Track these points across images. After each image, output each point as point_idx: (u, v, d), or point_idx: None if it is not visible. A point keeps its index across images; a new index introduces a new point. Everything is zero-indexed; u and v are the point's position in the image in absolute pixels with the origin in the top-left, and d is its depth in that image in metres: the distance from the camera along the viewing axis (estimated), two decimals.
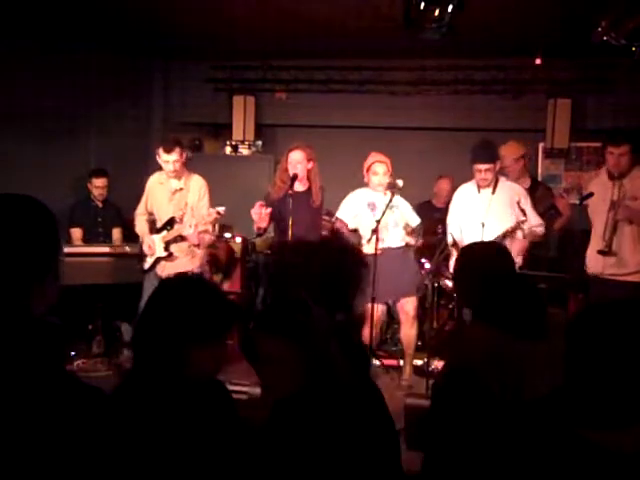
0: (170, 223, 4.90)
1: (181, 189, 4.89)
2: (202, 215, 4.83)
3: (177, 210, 4.90)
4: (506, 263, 2.45)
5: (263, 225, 4.74)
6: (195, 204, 4.90)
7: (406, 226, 5.03)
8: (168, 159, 4.73)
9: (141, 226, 5.06)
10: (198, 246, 4.97)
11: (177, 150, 4.76)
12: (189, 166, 5.19)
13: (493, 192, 4.70)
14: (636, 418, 1.12)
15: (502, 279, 2.33)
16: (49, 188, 6.37)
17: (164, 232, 4.91)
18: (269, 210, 4.68)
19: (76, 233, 6.08)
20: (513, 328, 2.19)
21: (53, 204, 1.37)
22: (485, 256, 2.45)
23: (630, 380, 1.11)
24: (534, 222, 4.68)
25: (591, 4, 4.48)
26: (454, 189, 6.56)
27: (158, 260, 4.92)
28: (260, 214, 4.63)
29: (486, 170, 4.64)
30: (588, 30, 4.56)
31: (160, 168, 4.94)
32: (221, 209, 4.80)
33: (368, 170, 5.01)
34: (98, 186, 6.12)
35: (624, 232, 4.30)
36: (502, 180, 4.81)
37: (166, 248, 4.88)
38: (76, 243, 5.94)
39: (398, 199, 5.01)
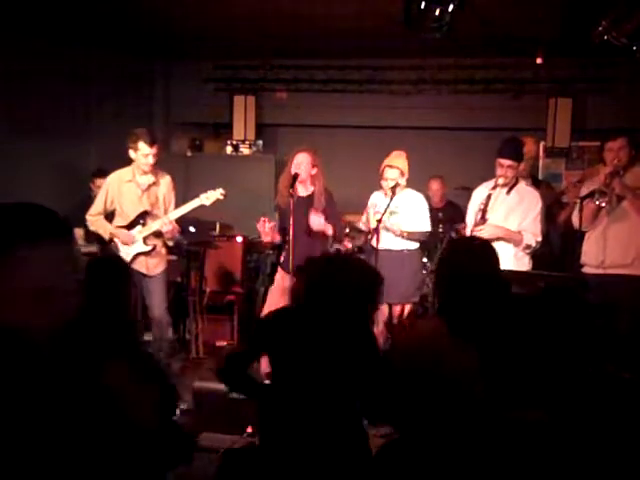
0: (143, 217, 4.79)
1: (154, 183, 4.79)
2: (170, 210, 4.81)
3: (148, 205, 4.80)
4: (482, 263, 2.37)
5: (268, 240, 4.74)
6: (166, 198, 4.84)
7: (401, 233, 4.85)
8: (149, 152, 4.62)
9: (103, 223, 4.88)
10: (170, 239, 4.92)
11: (156, 144, 4.71)
12: (190, 166, 5.19)
13: (508, 193, 4.46)
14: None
15: (471, 280, 2.27)
16: (49, 188, 6.39)
17: (138, 227, 4.80)
18: (272, 224, 4.65)
19: (79, 232, 6.05)
20: (461, 331, 2.19)
21: (52, 204, 1.36)
22: (460, 254, 2.39)
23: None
24: (530, 230, 4.43)
25: (591, 4, 4.48)
26: (444, 189, 6.55)
27: (136, 257, 4.79)
28: (263, 228, 4.60)
29: (508, 167, 4.40)
30: (589, 29, 4.56)
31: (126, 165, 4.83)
32: (221, 190, 4.80)
33: (381, 175, 4.90)
34: (101, 186, 6.02)
35: (615, 229, 4.26)
36: (522, 184, 4.56)
37: (145, 243, 4.78)
38: (78, 242, 5.90)
39: (408, 202, 4.87)
